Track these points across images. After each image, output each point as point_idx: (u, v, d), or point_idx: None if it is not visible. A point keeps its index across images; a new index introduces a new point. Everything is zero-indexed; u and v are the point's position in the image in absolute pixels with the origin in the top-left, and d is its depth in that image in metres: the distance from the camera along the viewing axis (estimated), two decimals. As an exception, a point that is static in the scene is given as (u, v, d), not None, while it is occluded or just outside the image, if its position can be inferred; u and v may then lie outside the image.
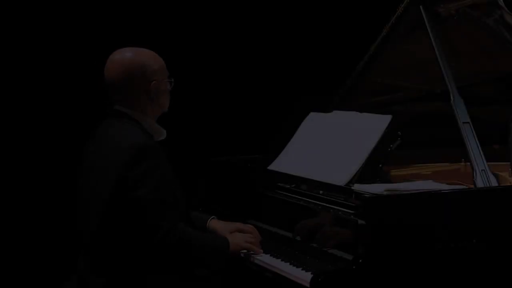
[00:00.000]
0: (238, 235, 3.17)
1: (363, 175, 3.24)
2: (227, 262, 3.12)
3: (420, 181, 3.32)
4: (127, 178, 2.83)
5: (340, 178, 3.24)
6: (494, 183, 3.17)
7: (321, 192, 3.18)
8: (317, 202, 3.13)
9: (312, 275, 2.84)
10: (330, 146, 3.45)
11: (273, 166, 3.65)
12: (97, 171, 2.94)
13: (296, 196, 3.25)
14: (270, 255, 3.17)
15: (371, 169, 3.26)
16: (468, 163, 3.26)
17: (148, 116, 3.06)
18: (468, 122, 3.28)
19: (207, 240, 3.03)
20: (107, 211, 2.87)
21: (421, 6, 3.53)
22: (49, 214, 4.68)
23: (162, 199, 2.85)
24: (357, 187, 3.10)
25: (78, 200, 3.05)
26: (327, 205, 3.06)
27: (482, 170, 3.18)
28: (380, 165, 3.27)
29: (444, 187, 3.18)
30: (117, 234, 2.88)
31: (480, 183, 3.15)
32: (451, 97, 3.35)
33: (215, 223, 3.32)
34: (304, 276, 2.91)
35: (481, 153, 3.22)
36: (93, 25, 4.69)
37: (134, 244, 2.87)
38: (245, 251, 3.18)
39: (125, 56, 3.03)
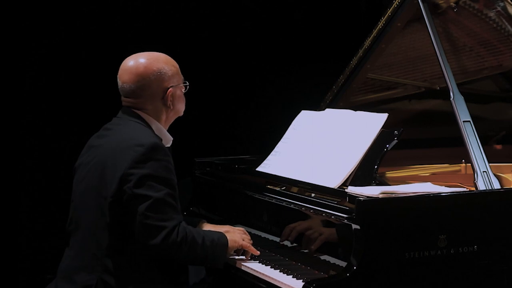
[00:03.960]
0: (235, 232, 3.20)
1: (357, 177, 3.23)
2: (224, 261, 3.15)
3: (418, 183, 3.30)
4: (132, 174, 2.92)
5: (333, 180, 3.23)
6: (496, 185, 3.15)
7: (312, 195, 3.17)
8: (309, 206, 3.11)
9: (304, 283, 2.83)
10: (322, 146, 3.43)
11: (262, 167, 3.63)
12: (102, 167, 3.01)
13: (286, 199, 3.24)
14: (259, 262, 3.16)
15: (366, 171, 3.23)
16: (469, 164, 3.25)
17: (161, 120, 3.14)
18: (469, 121, 3.27)
19: (208, 237, 3.06)
20: (109, 207, 2.94)
21: (419, -3, 3.51)
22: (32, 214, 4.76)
23: (165, 199, 2.93)
24: (351, 189, 3.08)
25: (74, 195, 3.12)
26: (319, 208, 3.05)
27: (483, 171, 3.17)
28: (376, 166, 3.23)
29: (443, 189, 3.16)
30: (116, 231, 2.96)
31: (481, 186, 3.14)
32: (451, 94, 3.34)
33: (206, 227, 3.35)
34: (295, 284, 2.91)
35: (483, 153, 3.21)
36: (93, 25, 4.81)
37: (134, 242, 2.94)
38: (236, 257, 3.19)
39: (140, 62, 3.11)
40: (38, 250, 4.67)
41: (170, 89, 3.13)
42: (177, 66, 3.18)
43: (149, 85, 3.10)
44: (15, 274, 4.72)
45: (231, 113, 5.08)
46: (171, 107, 3.16)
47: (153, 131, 3.11)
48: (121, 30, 4.75)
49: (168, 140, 3.19)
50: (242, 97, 5.07)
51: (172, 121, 3.22)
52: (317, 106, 3.94)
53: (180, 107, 3.21)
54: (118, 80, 3.14)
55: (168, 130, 3.24)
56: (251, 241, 3.22)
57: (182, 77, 3.20)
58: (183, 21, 5.01)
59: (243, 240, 3.18)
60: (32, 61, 4.70)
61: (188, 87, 3.22)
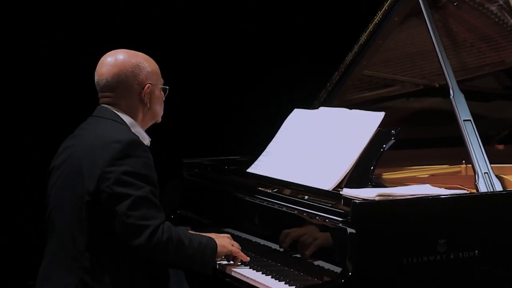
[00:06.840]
0: (223, 238, 3.12)
1: (353, 179, 3.13)
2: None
3: (416, 185, 3.19)
4: (111, 172, 2.82)
5: (327, 181, 3.14)
6: (498, 187, 3.05)
7: (306, 197, 3.08)
8: (302, 209, 3.02)
9: (296, 290, 2.83)
10: (316, 146, 3.34)
11: (253, 169, 3.54)
12: (77, 166, 2.90)
13: (278, 202, 3.14)
14: (250, 268, 3.07)
15: (362, 172, 3.13)
16: (470, 165, 3.16)
17: (137, 118, 3.05)
18: (470, 120, 3.17)
19: (196, 239, 2.96)
20: (86, 207, 2.83)
21: (417, -10, 3.53)
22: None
23: (147, 197, 2.84)
24: (346, 191, 2.99)
25: (49, 198, 3.01)
26: (313, 211, 2.95)
27: (485, 172, 3.06)
28: (372, 167, 3.14)
29: (442, 191, 3.05)
30: (94, 231, 2.84)
31: (482, 187, 3.04)
32: (451, 92, 3.23)
33: None
34: (287, 290, 2.91)
35: (484, 153, 3.11)
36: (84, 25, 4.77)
37: (115, 242, 2.83)
38: (224, 262, 3.08)
39: (118, 57, 3.05)
40: (22, 255, 4.60)
41: (148, 85, 3.04)
42: (157, 66, 3.11)
43: (125, 77, 3.00)
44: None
45: (222, 112, 5.02)
46: (148, 105, 3.05)
47: (129, 128, 3.01)
48: (121, 30, 4.72)
49: (144, 140, 3.07)
50: (233, 95, 5.02)
51: (149, 124, 3.12)
52: (311, 104, 3.83)
53: (158, 109, 3.11)
54: (95, 76, 3.06)
55: (156, 129, 3.14)
56: (240, 248, 3.14)
57: (162, 80, 3.13)
58: (183, 21, 4.97)
59: (232, 245, 3.10)
60: (32, 61, 4.67)
61: (167, 91, 3.14)
